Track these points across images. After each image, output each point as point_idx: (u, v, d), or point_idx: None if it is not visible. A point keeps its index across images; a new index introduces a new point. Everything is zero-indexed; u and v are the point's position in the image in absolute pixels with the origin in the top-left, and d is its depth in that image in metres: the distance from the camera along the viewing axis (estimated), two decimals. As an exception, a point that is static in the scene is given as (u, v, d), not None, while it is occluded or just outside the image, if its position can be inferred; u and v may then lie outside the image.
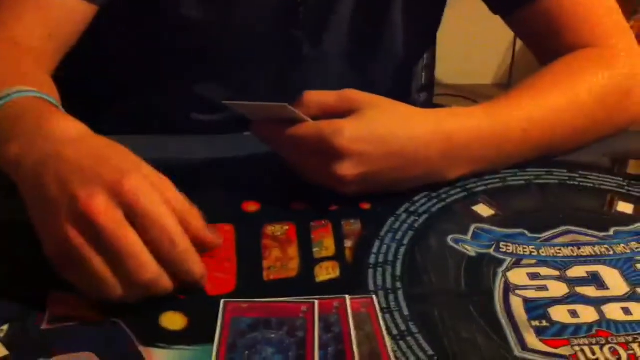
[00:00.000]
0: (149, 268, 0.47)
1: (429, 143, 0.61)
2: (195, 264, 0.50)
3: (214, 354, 0.46)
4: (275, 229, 0.59)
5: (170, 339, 0.48)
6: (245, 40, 0.80)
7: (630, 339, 0.47)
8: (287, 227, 0.59)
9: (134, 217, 0.47)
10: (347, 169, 0.58)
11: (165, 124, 0.83)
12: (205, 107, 0.84)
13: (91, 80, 0.90)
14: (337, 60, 0.84)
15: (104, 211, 0.46)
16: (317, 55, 0.83)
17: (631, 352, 0.46)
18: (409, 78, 0.99)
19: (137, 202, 0.47)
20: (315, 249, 0.57)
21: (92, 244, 0.46)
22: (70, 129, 0.53)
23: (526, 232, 0.59)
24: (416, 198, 0.63)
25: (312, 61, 0.83)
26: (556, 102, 0.67)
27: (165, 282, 0.49)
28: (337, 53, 0.83)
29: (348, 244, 0.58)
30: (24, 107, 0.56)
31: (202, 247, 0.51)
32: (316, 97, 0.61)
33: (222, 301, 0.50)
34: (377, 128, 0.59)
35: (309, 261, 0.56)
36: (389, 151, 0.59)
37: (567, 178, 0.67)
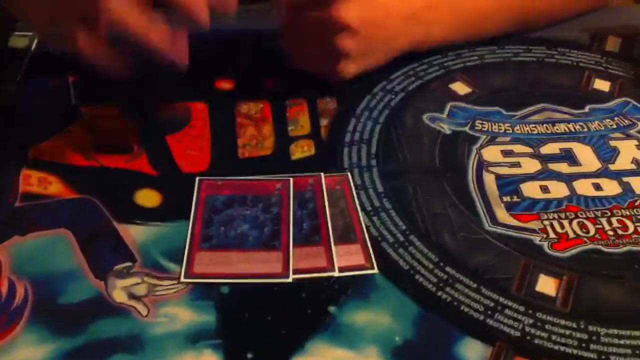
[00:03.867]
0: None
1: None
2: None
3: (190, 229, 0.46)
4: (249, 107, 0.58)
5: (145, 215, 0.48)
6: None
7: (599, 213, 0.49)
8: (261, 105, 0.59)
9: None
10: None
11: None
12: None
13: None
14: None
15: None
16: None
17: (599, 226, 0.47)
18: None
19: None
20: (290, 127, 0.57)
21: None
22: None
23: (502, 109, 0.59)
24: (393, 76, 0.63)
25: None
26: None
27: None
28: None
29: (323, 122, 0.57)
30: None
31: None
32: None
33: (197, 179, 0.50)
34: None
35: (284, 139, 0.55)
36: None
37: (545, 55, 0.66)
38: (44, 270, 0.44)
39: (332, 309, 0.42)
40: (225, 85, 0.61)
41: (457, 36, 0.65)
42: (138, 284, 0.43)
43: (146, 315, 0.41)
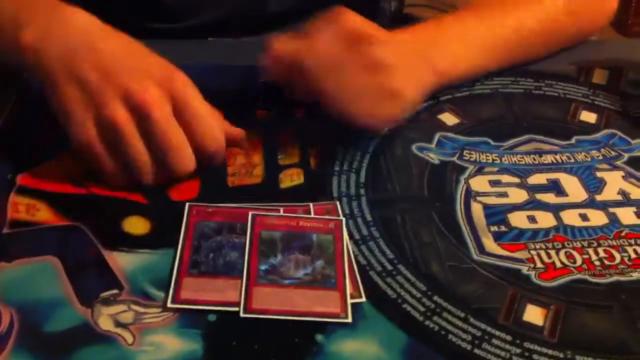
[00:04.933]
0: (190, 161, 0.51)
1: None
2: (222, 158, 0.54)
3: (178, 254, 0.46)
4: (239, 136, 0.59)
5: (133, 243, 0.48)
6: None
7: (585, 243, 0.49)
8: (251, 134, 0.59)
9: (182, 111, 0.50)
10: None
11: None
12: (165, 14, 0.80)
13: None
14: None
15: (158, 104, 0.49)
16: None
17: (586, 256, 0.48)
18: None
19: (187, 99, 0.51)
20: (280, 156, 0.57)
21: (139, 132, 0.49)
22: (92, 21, 0.53)
23: (490, 140, 0.59)
24: (382, 106, 0.63)
25: None
26: (520, 13, 0.66)
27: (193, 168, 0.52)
28: None
29: (313, 151, 0.58)
30: None
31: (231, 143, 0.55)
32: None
33: (187, 204, 0.50)
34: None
35: (273, 168, 0.56)
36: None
37: (532, 87, 0.67)
38: (30, 297, 0.44)
39: (319, 337, 0.42)
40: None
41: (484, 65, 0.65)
42: (124, 311, 0.43)
43: (132, 344, 0.41)
